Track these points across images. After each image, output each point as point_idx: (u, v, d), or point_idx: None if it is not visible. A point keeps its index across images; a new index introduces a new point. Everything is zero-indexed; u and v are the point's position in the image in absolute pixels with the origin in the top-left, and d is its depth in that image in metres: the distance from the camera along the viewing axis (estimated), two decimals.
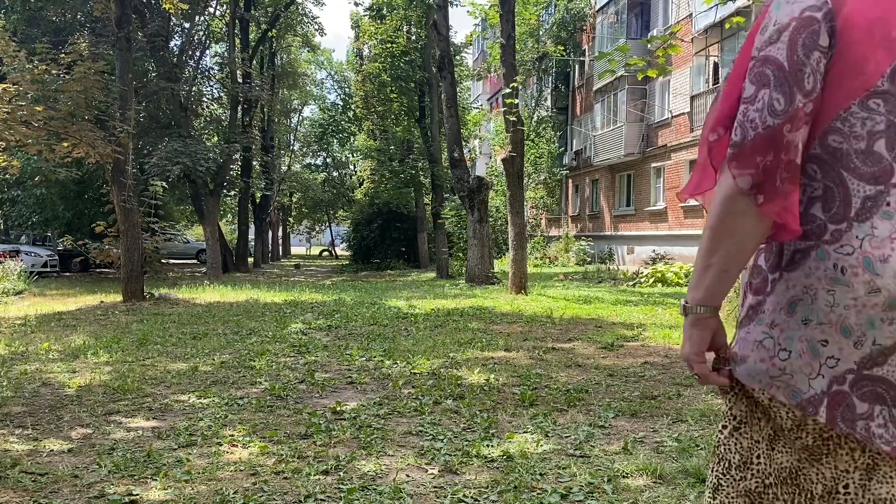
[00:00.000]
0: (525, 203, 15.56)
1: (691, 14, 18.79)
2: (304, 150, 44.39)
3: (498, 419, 4.05)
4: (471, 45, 29.42)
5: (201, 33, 23.43)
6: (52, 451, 3.51)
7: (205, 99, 24.69)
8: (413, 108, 25.66)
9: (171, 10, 15.09)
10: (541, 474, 3.10)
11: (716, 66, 18.38)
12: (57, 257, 21.90)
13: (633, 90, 22.32)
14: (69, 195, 20.61)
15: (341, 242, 40.41)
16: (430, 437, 3.69)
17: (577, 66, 27.87)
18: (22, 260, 17.06)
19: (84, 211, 20.73)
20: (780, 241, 1.24)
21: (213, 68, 27.09)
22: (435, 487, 2.97)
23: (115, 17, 11.96)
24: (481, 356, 6.15)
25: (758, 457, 1.32)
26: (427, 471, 3.20)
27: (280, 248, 44.63)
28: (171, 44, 21.59)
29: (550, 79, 29.21)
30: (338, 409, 4.27)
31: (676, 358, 5.98)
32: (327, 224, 47.97)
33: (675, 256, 18.83)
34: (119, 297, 11.84)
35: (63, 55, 11.22)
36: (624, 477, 3.05)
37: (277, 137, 34.04)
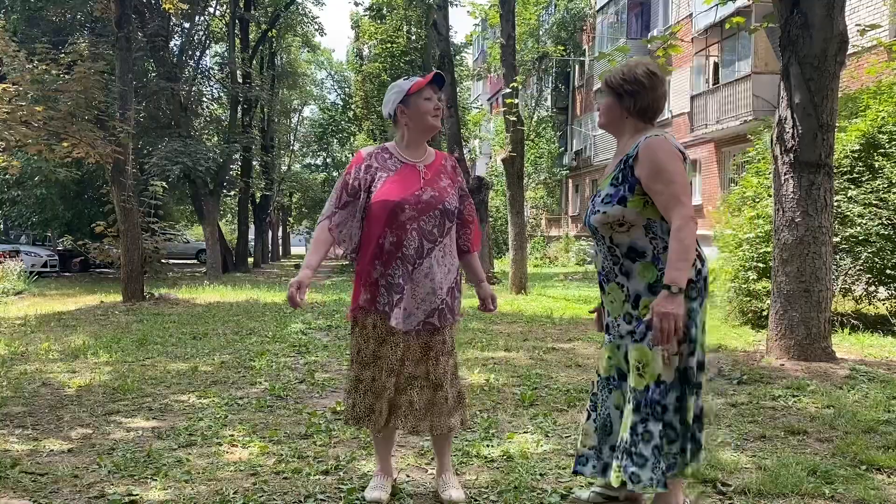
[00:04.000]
0: (525, 203, 15.56)
1: (691, 14, 18.79)
2: (304, 150, 44.36)
3: (498, 419, 4.05)
4: (471, 45, 29.42)
5: (201, 33, 23.44)
6: (52, 451, 3.51)
7: (205, 99, 24.69)
8: None
9: (171, 10, 15.10)
10: (541, 474, 3.10)
11: (716, 66, 18.37)
12: (57, 257, 21.89)
13: None
14: (69, 195, 20.60)
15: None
16: (430, 436, 3.68)
17: (577, 66, 27.86)
18: (22, 260, 17.06)
19: (84, 211, 20.72)
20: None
21: (213, 68, 27.09)
22: (435, 487, 2.97)
23: (115, 17, 11.96)
24: (481, 356, 6.15)
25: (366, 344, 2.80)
26: (427, 471, 3.20)
27: (280, 248, 44.62)
28: (171, 44, 21.59)
29: (550, 79, 29.20)
30: (338, 409, 4.26)
31: None
32: None
33: None
34: (119, 297, 11.84)
35: (63, 55, 11.21)
36: None
37: (277, 137, 34.02)
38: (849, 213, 7.18)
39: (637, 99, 2.47)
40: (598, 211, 2.46)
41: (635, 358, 2.41)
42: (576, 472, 2.70)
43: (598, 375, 2.61)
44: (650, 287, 2.40)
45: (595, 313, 2.78)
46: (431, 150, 2.89)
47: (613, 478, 2.41)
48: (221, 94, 25.62)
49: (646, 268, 2.41)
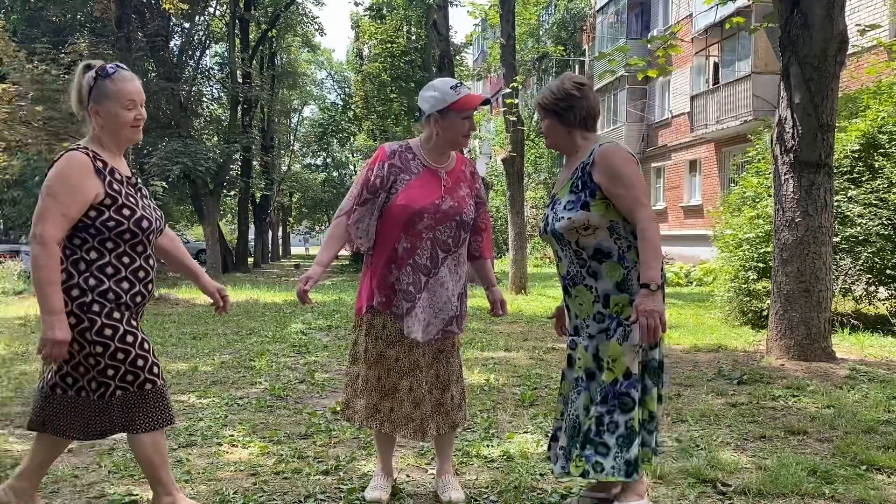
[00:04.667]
0: (525, 203, 15.56)
1: (691, 14, 18.78)
2: (304, 150, 44.36)
3: (498, 419, 4.05)
4: (471, 45, 29.41)
5: (201, 33, 23.44)
6: None
7: (205, 99, 24.68)
8: (413, 108, 25.59)
9: (171, 10, 15.11)
10: (541, 474, 3.10)
11: (716, 65, 18.37)
12: None
13: (633, 90, 22.31)
14: None
15: None
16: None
17: (577, 66, 27.85)
18: (22, 260, 17.05)
19: None
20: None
21: (213, 68, 27.09)
22: (435, 488, 2.97)
23: (115, 17, 11.99)
24: (481, 356, 6.15)
25: (365, 348, 2.78)
26: (427, 471, 3.20)
27: (280, 248, 44.62)
28: (171, 44, 21.59)
29: (550, 79, 29.15)
30: (338, 409, 4.26)
31: (677, 358, 5.99)
32: (327, 224, 47.96)
33: (675, 256, 18.82)
34: None
35: (63, 55, 11.23)
36: None
37: (277, 137, 34.03)
38: (849, 213, 7.18)
39: (575, 111, 2.57)
40: (563, 217, 2.52)
41: (607, 354, 2.49)
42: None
43: (564, 377, 2.66)
44: (618, 285, 2.50)
45: (555, 318, 2.86)
46: (454, 155, 2.88)
47: (573, 468, 2.49)
48: (221, 94, 25.62)
49: (612, 267, 2.50)
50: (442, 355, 2.77)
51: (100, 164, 2.36)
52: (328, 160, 43.35)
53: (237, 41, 23.99)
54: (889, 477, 3.04)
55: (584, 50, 26.92)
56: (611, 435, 2.43)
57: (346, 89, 40.08)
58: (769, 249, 6.78)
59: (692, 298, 11.49)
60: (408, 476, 3.13)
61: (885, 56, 9.55)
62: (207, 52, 26.25)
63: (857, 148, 7.46)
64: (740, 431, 3.74)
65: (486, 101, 2.79)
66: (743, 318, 7.88)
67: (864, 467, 3.12)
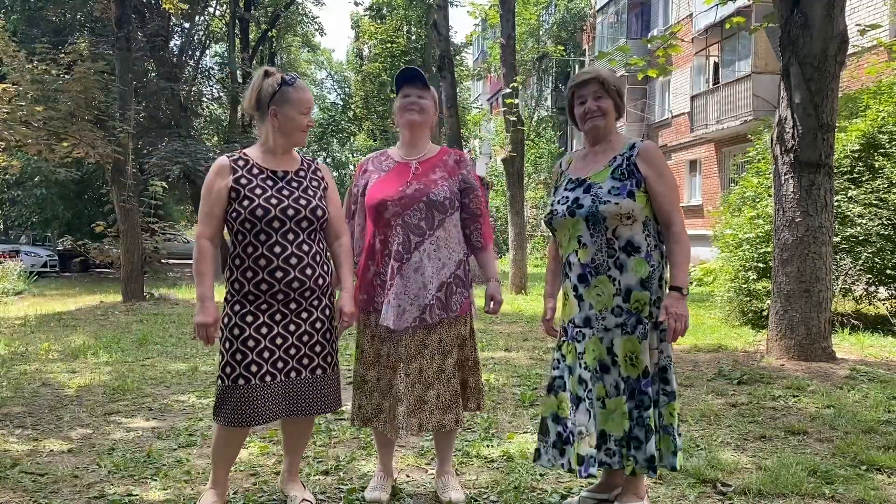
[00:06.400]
0: (525, 203, 15.56)
1: (691, 14, 18.78)
2: (304, 150, 44.34)
3: (498, 419, 4.05)
4: (471, 45, 29.41)
5: (201, 33, 23.42)
6: (52, 451, 3.51)
7: (205, 99, 24.66)
8: None
9: (170, 10, 15.10)
10: (541, 474, 3.10)
11: (716, 65, 18.37)
12: (57, 257, 21.88)
13: (633, 90, 22.30)
14: (69, 195, 20.58)
15: None
16: (430, 436, 3.68)
17: (577, 66, 27.85)
18: (22, 260, 17.05)
19: (84, 211, 20.70)
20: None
21: (213, 68, 27.06)
22: (435, 488, 2.97)
23: (115, 17, 11.96)
24: (481, 356, 6.13)
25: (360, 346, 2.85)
26: (427, 471, 3.20)
27: None
28: (171, 44, 21.56)
29: (550, 79, 29.19)
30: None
31: (677, 358, 5.98)
32: None
33: None
34: (119, 297, 11.84)
35: (63, 55, 11.22)
36: None
37: None
38: (849, 213, 7.18)
39: (624, 105, 2.65)
40: (610, 201, 2.47)
41: (627, 349, 2.49)
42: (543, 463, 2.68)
43: (581, 368, 2.54)
44: (642, 282, 2.49)
45: (548, 321, 2.87)
46: (435, 147, 2.85)
47: (627, 468, 2.50)
48: (221, 94, 25.59)
49: (639, 263, 2.49)
50: (426, 351, 2.70)
51: (240, 163, 2.60)
52: (328, 160, 43.35)
53: (237, 41, 23.98)
54: (889, 477, 3.04)
55: (584, 50, 26.92)
56: (640, 429, 2.47)
57: (346, 89, 40.10)
58: (769, 249, 6.78)
59: (692, 298, 11.49)
60: (408, 476, 3.13)
61: (885, 56, 9.55)
62: (207, 52, 26.24)
63: (857, 148, 7.46)
64: (740, 431, 3.74)
65: (406, 75, 2.81)
66: (743, 318, 7.88)
67: (864, 467, 3.12)
